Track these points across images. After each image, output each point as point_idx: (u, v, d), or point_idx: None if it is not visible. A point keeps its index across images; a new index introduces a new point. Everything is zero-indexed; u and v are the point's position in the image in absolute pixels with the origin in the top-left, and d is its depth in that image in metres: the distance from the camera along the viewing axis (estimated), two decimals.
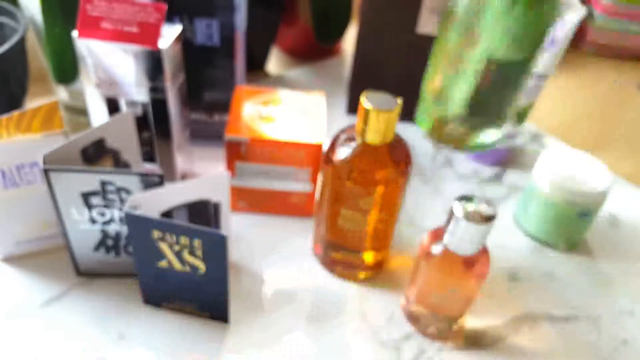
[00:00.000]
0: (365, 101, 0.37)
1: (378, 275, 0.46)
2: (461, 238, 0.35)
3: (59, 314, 0.40)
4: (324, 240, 0.44)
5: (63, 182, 0.36)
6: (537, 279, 0.47)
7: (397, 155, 0.39)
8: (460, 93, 0.40)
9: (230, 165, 0.47)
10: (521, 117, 0.56)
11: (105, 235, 0.40)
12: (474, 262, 0.36)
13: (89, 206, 0.38)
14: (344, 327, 0.41)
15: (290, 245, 0.48)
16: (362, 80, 0.62)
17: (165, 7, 0.41)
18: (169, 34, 0.43)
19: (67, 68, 0.53)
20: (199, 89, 0.54)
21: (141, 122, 0.46)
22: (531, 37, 0.37)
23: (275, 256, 0.46)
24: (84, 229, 0.39)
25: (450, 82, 0.41)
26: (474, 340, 0.41)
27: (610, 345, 0.42)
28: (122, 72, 0.42)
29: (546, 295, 0.46)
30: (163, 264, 0.37)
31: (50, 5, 0.49)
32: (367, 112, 0.37)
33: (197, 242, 0.35)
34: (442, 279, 0.37)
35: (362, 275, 0.45)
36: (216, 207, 0.39)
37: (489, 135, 0.42)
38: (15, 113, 0.36)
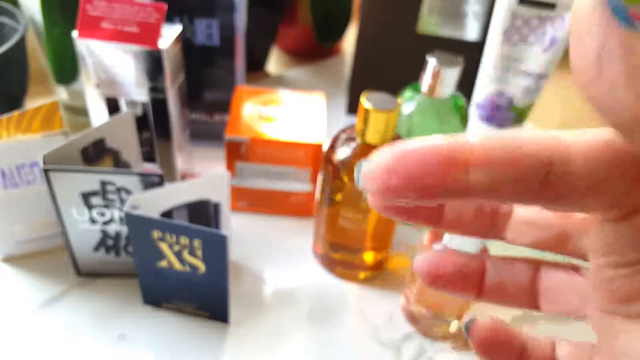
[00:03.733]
0: (365, 101, 0.37)
1: (378, 275, 0.46)
2: (461, 238, 0.35)
3: (59, 314, 0.40)
4: (324, 240, 0.44)
5: (63, 182, 0.36)
6: None
7: None
8: None
9: (230, 165, 0.47)
10: (521, 117, 0.56)
11: (105, 235, 0.40)
12: None
13: (89, 206, 0.38)
14: (344, 327, 0.41)
15: (290, 245, 0.48)
16: (362, 80, 0.61)
17: (165, 7, 0.41)
18: (169, 34, 0.43)
19: (67, 68, 0.53)
20: (199, 89, 0.54)
21: (141, 122, 0.46)
22: None
23: (275, 256, 0.46)
24: (84, 229, 0.39)
25: None
26: None
27: None
28: (122, 72, 0.42)
29: None
30: (163, 264, 0.37)
31: (50, 5, 0.49)
32: (367, 112, 0.37)
33: (197, 242, 0.35)
34: None
35: (362, 275, 0.45)
36: (216, 207, 0.39)
37: None
38: (15, 113, 0.36)
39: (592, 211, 0.15)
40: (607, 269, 0.15)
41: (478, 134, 0.14)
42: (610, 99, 0.12)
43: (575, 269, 0.18)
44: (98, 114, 0.46)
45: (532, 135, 0.14)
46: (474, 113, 0.58)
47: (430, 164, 0.13)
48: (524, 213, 0.17)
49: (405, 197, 0.14)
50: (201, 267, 0.37)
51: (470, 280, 0.18)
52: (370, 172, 0.14)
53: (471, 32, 0.56)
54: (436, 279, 0.18)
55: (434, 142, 0.14)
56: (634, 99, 0.12)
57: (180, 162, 0.50)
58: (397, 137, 0.40)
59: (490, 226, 0.18)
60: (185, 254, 0.36)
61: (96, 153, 0.40)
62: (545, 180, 0.14)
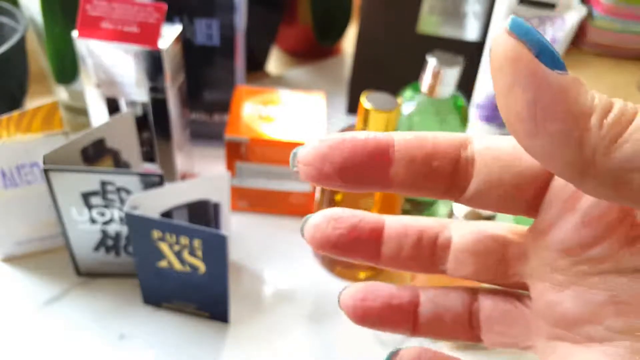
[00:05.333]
0: (365, 101, 0.37)
1: (378, 275, 0.46)
2: None
3: (59, 314, 0.40)
4: None
5: (63, 182, 0.36)
6: None
7: None
8: None
9: (230, 165, 0.47)
10: None
11: (105, 235, 0.40)
12: None
13: (89, 206, 0.38)
14: (344, 327, 0.41)
15: (290, 245, 0.48)
16: (362, 80, 0.62)
17: (165, 7, 0.41)
18: (169, 34, 0.43)
19: (67, 68, 0.53)
20: (199, 89, 0.54)
21: (141, 122, 0.46)
22: None
23: (275, 256, 0.46)
24: (83, 229, 0.39)
25: None
26: None
27: None
28: (122, 72, 0.42)
29: None
30: (163, 264, 0.37)
31: (50, 5, 0.49)
32: (367, 112, 0.37)
33: (197, 242, 0.35)
34: (442, 278, 0.37)
35: (362, 275, 0.45)
36: (216, 207, 0.40)
37: None
38: (15, 113, 0.37)
39: (510, 212, 0.15)
40: (550, 292, 0.15)
41: (402, 132, 0.15)
42: (550, 156, 0.12)
43: (516, 296, 0.17)
44: (98, 114, 0.46)
45: (446, 133, 0.15)
46: (474, 113, 0.58)
47: (361, 156, 0.15)
48: (462, 240, 0.16)
49: (334, 184, 0.15)
50: (201, 267, 0.37)
51: (403, 314, 0.17)
52: (306, 157, 0.15)
53: (471, 32, 0.56)
54: (364, 314, 0.17)
55: (363, 136, 0.15)
56: (578, 155, 0.11)
57: (180, 162, 0.50)
58: None
59: (431, 258, 0.17)
60: (185, 254, 0.36)
61: (96, 153, 0.40)
62: (453, 174, 0.15)
